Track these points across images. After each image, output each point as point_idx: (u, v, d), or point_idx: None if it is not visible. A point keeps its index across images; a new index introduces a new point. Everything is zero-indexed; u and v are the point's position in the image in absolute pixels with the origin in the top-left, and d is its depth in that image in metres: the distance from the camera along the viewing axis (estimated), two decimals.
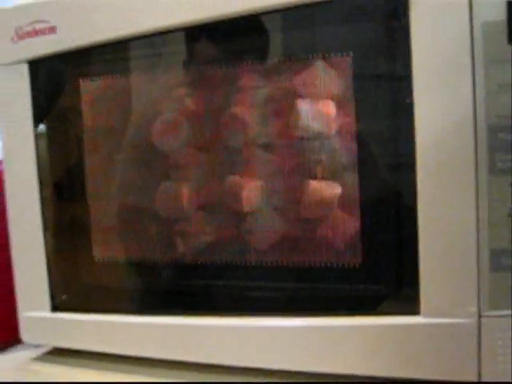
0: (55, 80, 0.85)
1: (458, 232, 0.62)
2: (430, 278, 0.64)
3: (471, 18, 0.60)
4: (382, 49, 0.67)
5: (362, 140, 0.69)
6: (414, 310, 0.65)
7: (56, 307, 0.87)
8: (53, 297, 0.87)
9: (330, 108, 0.71)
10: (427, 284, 0.64)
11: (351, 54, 0.68)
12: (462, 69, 0.61)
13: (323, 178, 0.72)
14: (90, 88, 0.83)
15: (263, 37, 0.74)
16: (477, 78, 0.61)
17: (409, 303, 0.66)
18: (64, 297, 0.88)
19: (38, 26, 0.80)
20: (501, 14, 0.60)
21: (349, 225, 0.71)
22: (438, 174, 0.63)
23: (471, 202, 0.62)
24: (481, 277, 0.62)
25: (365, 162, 0.69)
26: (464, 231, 0.62)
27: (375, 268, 0.70)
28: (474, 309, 0.63)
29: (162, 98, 0.81)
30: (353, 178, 0.70)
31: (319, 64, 0.70)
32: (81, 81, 0.84)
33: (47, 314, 0.87)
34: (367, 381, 0.68)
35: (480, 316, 0.63)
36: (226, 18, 0.71)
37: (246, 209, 0.77)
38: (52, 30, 0.79)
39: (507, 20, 0.59)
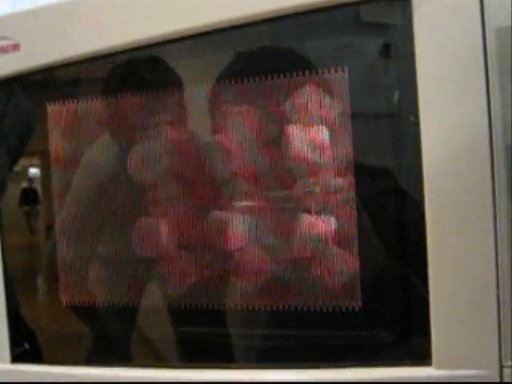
0: (20, 104, 0.79)
1: (475, 270, 0.57)
2: (442, 322, 0.59)
3: (483, 24, 0.56)
4: (381, 62, 0.63)
5: (360, 169, 0.64)
6: (424, 360, 0.60)
7: (17, 358, 0.81)
8: (13, 346, 0.81)
9: (324, 135, 0.66)
10: (439, 330, 0.59)
11: (346, 69, 0.63)
12: (474, 80, 0.56)
13: (317, 213, 0.67)
14: (57, 113, 0.78)
15: (245, 53, 0.70)
16: (491, 91, 0.56)
17: (418, 352, 0.61)
18: (27, 346, 0.81)
19: (0, 44, 0.75)
20: None
21: (346, 263, 0.66)
22: (449, 202, 0.58)
23: (489, 233, 0.56)
24: (502, 322, 0.57)
25: (364, 193, 0.64)
26: (482, 269, 0.57)
27: (377, 312, 0.65)
28: (494, 358, 0.57)
29: (139, 124, 0.75)
30: (350, 212, 0.65)
31: (310, 84, 0.65)
32: (48, 104, 0.78)
33: (7, 365, 0.81)
34: None
35: (502, 366, 0.57)
36: (201, 32, 0.67)
37: (232, 247, 0.71)
38: (15, 47, 0.75)
39: None
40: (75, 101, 0.76)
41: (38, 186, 0.82)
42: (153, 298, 0.75)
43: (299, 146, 0.67)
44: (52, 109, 0.77)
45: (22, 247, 0.82)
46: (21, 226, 0.83)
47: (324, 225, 0.66)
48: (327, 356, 0.66)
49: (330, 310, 0.65)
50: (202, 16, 0.66)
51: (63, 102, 0.77)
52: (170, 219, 0.75)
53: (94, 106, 0.76)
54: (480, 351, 0.57)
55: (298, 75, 0.65)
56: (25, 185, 0.84)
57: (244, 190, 0.71)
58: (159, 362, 0.75)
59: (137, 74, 0.75)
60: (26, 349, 0.81)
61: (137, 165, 0.75)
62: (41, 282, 0.82)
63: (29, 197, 0.82)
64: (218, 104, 0.71)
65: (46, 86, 0.78)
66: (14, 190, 0.83)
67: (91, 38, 0.71)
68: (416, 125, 0.58)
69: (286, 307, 0.68)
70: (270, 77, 0.66)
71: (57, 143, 0.78)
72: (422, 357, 0.60)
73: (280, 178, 0.69)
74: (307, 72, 0.65)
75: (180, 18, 0.67)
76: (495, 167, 0.56)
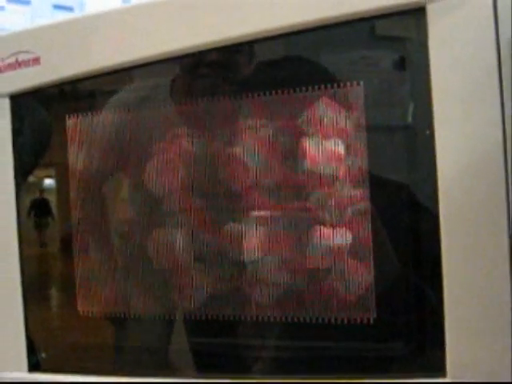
0: (39, 117, 0.79)
1: (490, 281, 0.56)
2: (457, 334, 0.58)
3: (497, 37, 0.55)
4: (396, 75, 0.63)
5: (374, 181, 0.64)
6: (438, 371, 0.60)
7: (34, 367, 0.80)
8: (31, 355, 0.80)
9: (339, 147, 0.66)
10: (454, 341, 0.58)
11: (361, 82, 0.63)
12: (489, 93, 0.56)
13: (331, 225, 0.67)
14: (77, 125, 0.78)
15: (261, 67, 0.70)
16: (506, 103, 0.55)
17: (433, 364, 0.60)
18: (44, 355, 0.81)
19: (21, 58, 0.75)
20: None
21: (360, 275, 0.65)
22: (464, 214, 0.57)
23: (504, 245, 0.56)
24: None
25: (378, 205, 0.64)
26: (497, 280, 0.56)
27: (391, 324, 0.65)
28: (509, 370, 0.56)
29: (156, 137, 0.76)
30: (365, 224, 0.64)
31: (325, 98, 0.65)
32: (67, 117, 0.78)
33: (24, 374, 0.80)
34: None
35: None
36: (221, 46, 0.67)
37: (247, 259, 0.71)
38: (36, 61, 0.75)
39: None
40: (94, 113, 0.77)
41: (50, 197, 0.83)
42: (167, 308, 0.75)
43: (314, 158, 0.67)
44: (71, 121, 0.78)
45: (36, 258, 0.82)
46: (36, 236, 0.83)
47: (338, 237, 0.66)
48: (341, 368, 0.66)
49: (345, 321, 0.65)
50: (220, 31, 0.66)
51: (82, 115, 0.77)
52: (186, 231, 0.75)
53: (111, 119, 0.76)
54: (495, 363, 0.56)
55: (313, 89, 0.65)
56: (36, 196, 0.84)
57: (259, 203, 0.71)
58: (173, 371, 0.75)
59: (154, 87, 0.76)
60: (43, 358, 0.80)
61: (153, 176, 0.75)
62: (57, 292, 0.82)
63: (39, 207, 0.83)
64: (233, 117, 0.71)
65: (65, 99, 0.79)
66: (29, 201, 0.83)
67: (111, 52, 0.71)
68: (431, 137, 0.58)
69: (301, 319, 0.67)
70: (285, 91, 0.66)
71: (75, 155, 0.78)
72: (437, 368, 0.59)
73: (295, 190, 0.69)
74: (323, 86, 0.65)
75: (195, 33, 0.67)
76: (509, 179, 0.55)
